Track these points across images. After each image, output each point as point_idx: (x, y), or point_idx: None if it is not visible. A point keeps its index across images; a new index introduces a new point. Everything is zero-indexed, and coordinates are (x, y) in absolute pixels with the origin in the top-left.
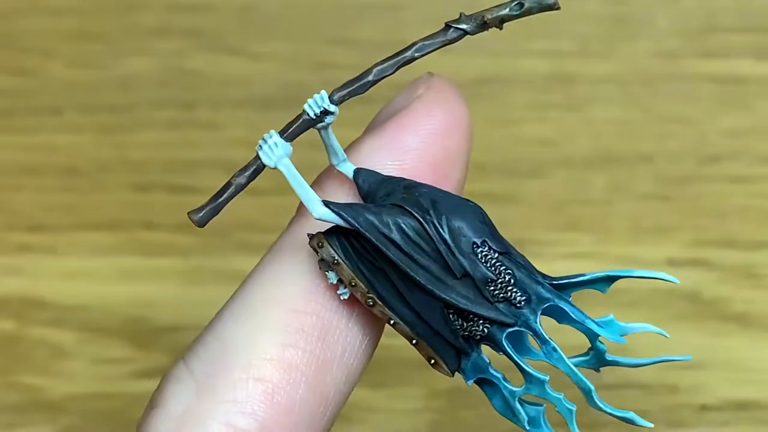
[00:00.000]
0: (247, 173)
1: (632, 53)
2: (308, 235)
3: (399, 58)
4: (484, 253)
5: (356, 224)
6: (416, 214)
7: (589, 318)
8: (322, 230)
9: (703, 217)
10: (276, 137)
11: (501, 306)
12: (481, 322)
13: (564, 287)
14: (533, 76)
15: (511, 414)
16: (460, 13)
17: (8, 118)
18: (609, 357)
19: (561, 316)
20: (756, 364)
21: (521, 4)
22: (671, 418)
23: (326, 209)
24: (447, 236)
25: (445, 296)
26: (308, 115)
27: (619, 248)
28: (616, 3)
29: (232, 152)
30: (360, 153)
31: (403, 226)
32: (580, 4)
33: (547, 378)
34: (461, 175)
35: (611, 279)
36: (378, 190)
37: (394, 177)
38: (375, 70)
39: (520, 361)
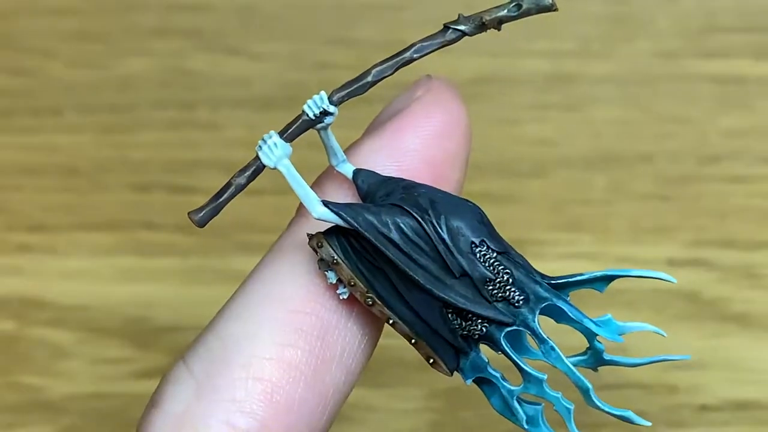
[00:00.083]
0: (247, 173)
1: (632, 53)
2: (308, 235)
3: (398, 59)
4: (482, 253)
5: (355, 224)
6: (415, 214)
7: (587, 317)
8: (322, 230)
9: (703, 217)
10: (275, 138)
11: (499, 305)
12: (479, 321)
13: (562, 287)
14: (533, 76)
15: (509, 413)
16: (459, 15)
17: (8, 118)
18: (607, 356)
19: (559, 316)
20: (756, 364)
21: (519, 6)
22: (671, 418)
23: (325, 209)
24: (446, 236)
25: (443, 295)
26: (308, 115)
27: (619, 248)
28: (616, 3)
29: (232, 152)
30: (359, 154)
31: (402, 225)
32: (580, 4)
33: (545, 377)
34: (460, 175)
35: (609, 278)
36: (377, 191)
37: (393, 177)
38: (374, 71)
39: (518, 360)
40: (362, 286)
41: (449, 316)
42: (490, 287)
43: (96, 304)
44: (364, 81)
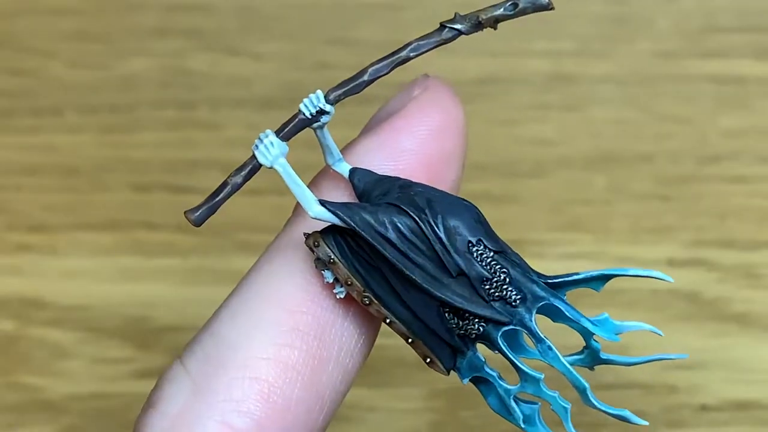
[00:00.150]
0: (244, 173)
1: (632, 53)
2: (304, 234)
3: (394, 58)
4: (479, 252)
5: (352, 223)
6: (412, 213)
7: (584, 316)
8: (319, 229)
9: (702, 217)
10: (272, 137)
11: (496, 305)
12: (476, 320)
13: (559, 286)
14: (533, 76)
15: (506, 412)
16: (455, 13)
17: (8, 118)
18: (603, 355)
19: (556, 315)
20: (756, 364)
21: (515, 5)
22: (671, 418)
23: (322, 208)
24: (443, 235)
25: (440, 295)
26: (304, 114)
27: (618, 248)
28: (616, 3)
29: (232, 152)
30: (356, 153)
31: (399, 225)
32: (580, 4)
33: (542, 376)
34: (457, 175)
35: (606, 278)
36: (373, 190)
37: (390, 176)
38: (370, 70)
39: (515, 360)
40: (359, 285)
41: (446, 315)
42: (487, 286)
43: (96, 304)
44: (360, 80)
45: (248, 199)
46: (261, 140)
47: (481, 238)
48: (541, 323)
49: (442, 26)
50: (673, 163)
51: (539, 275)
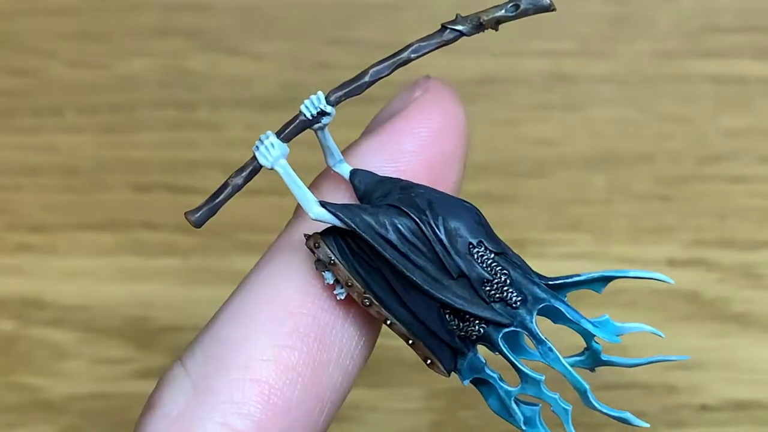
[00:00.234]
0: (244, 174)
1: (632, 53)
2: (305, 235)
3: (395, 59)
4: (480, 254)
5: (353, 225)
6: (413, 215)
7: (585, 318)
8: (319, 231)
9: (702, 217)
10: (272, 138)
11: (497, 306)
12: (477, 322)
13: (559, 287)
14: (533, 76)
15: (507, 414)
16: (456, 15)
17: (8, 118)
18: (604, 357)
19: (557, 316)
20: (756, 364)
21: (517, 6)
22: (671, 418)
23: (323, 209)
24: (443, 237)
25: (441, 296)
26: (305, 115)
27: (618, 248)
28: (616, 3)
29: (232, 152)
30: (357, 155)
31: (399, 226)
32: (580, 4)
33: (543, 378)
34: (458, 176)
35: (606, 279)
36: (374, 191)
37: (391, 178)
38: (371, 71)
39: (516, 361)
40: (359, 286)
41: (447, 316)
42: (488, 288)
43: (96, 304)
44: (362, 81)
45: (248, 199)
46: (262, 141)
47: (482, 240)
48: (542, 325)
49: (444, 27)
50: (673, 163)
51: (540, 277)
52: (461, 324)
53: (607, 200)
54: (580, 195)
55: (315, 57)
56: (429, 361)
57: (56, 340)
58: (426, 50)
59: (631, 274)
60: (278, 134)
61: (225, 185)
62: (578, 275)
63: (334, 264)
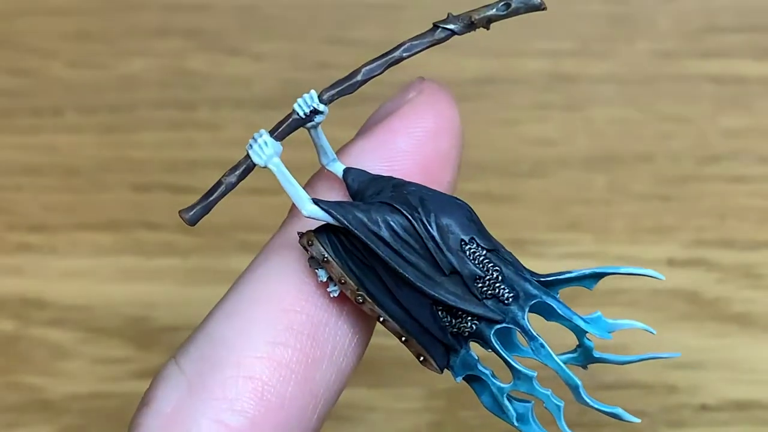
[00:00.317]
0: (237, 172)
1: (632, 53)
2: (298, 233)
3: (387, 58)
4: (472, 250)
5: (345, 222)
6: (405, 212)
7: (577, 314)
8: (313, 229)
9: (702, 217)
10: (266, 136)
11: (489, 303)
12: (469, 318)
13: (551, 284)
14: (533, 76)
15: (499, 410)
16: (448, 14)
17: (8, 118)
18: (597, 354)
19: (549, 313)
20: (756, 364)
21: (508, 5)
22: (671, 418)
23: (315, 207)
24: (435, 233)
25: (433, 293)
26: (298, 114)
27: (619, 248)
28: (616, 3)
29: (232, 152)
30: (352, 155)
31: (392, 223)
32: (580, 4)
33: (535, 374)
34: (452, 176)
35: (598, 276)
36: (367, 189)
37: (383, 176)
38: (363, 70)
39: (508, 358)
40: (353, 283)
41: (439, 313)
42: (480, 284)
43: (96, 304)
44: (354, 80)
45: (248, 199)
46: (255, 140)
47: (474, 237)
48: (535, 323)
49: (435, 26)
50: (673, 163)
51: (532, 273)
52: (453, 321)
53: (607, 200)
54: (580, 195)
55: (315, 57)
56: (422, 358)
57: (56, 340)
58: (418, 49)
59: (622, 270)
60: (271, 133)
61: (219, 183)
62: (570, 272)
63: (327, 261)
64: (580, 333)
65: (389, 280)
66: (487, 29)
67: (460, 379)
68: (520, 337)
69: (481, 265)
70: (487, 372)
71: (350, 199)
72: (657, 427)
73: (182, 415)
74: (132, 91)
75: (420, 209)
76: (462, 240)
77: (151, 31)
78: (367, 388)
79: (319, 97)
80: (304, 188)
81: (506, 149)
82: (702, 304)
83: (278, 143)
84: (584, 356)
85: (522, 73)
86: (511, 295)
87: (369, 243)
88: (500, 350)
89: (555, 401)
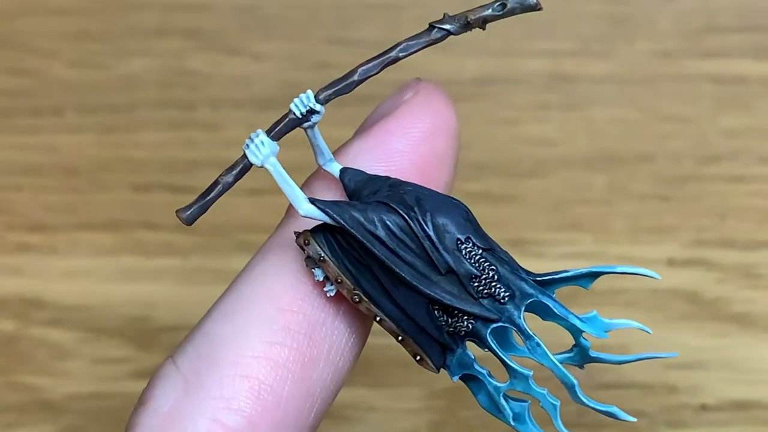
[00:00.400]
0: (234, 172)
1: (632, 53)
2: (295, 233)
3: (383, 58)
4: (468, 250)
5: (342, 221)
6: (401, 211)
7: (573, 314)
8: (309, 228)
9: (702, 217)
10: (262, 136)
11: (485, 302)
12: (465, 317)
13: (548, 283)
14: (533, 76)
15: (496, 410)
16: (444, 14)
17: (8, 118)
18: (593, 353)
19: (545, 312)
20: (756, 364)
21: (504, 5)
22: (671, 418)
23: (312, 206)
24: (431, 233)
25: (429, 292)
26: (294, 114)
27: (619, 248)
28: (616, 3)
29: (232, 152)
30: (349, 155)
31: (388, 222)
32: (580, 4)
33: (531, 373)
34: (449, 177)
35: (594, 275)
36: (363, 189)
37: (380, 176)
38: (360, 70)
39: (504, 357)
40: (349, 283)
41: (435, 312)
42: (476, 284)
43: (96, 304)
44: (351, 80)
45: (248, 199)
46: (252, 140)
47: (470, 236)
48: (532, 322)
49: (432, 26)
50: (673, 163)
51: (528, 273)
52: (450, 320)
53: (607, 200)
54: (580, 195)
55: (315, 57)
56: (418, 358)
57: (56, 340)
58: (414, 49)
59: (618, 269)
60: (268, 133)
61: (216, 183)
62: (566, 271)
63: (324, 261)
64: (576, 332)
65: (386, 280)
66: (483, 29)
67: (456, 378)
68: (516, 337)
69: (477, 264)
70: (483, 371)
71: (347, 199)
72: (657, 427)
73: (179, 414)
74: (132, 91)
75: (416, 208)
76: (458, 239)
77: (151, 31)
78: (366, 388)
79: (315, 96)
80: (300, 188)
81: (506, 149)
82: (702, 304)
83: (275, 143)
84: (580, 356)
85: (522, 73)
86: (507, 294)
87: (365, 242)
88: (496, 349)
89: (551, 400)
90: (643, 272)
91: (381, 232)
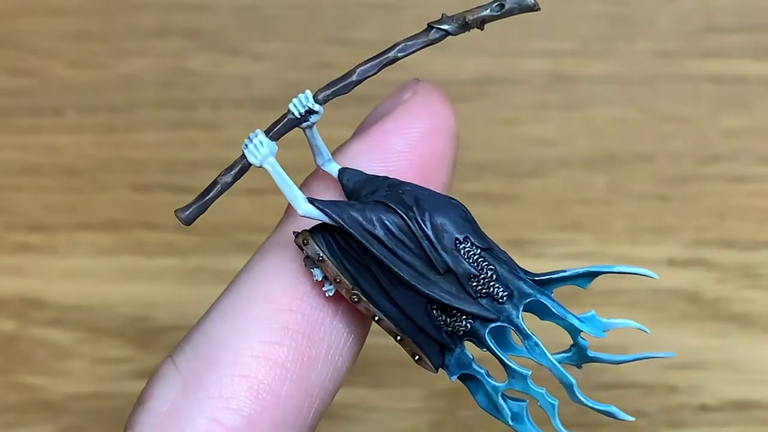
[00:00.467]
0: (233, 172)
1: (632, 53)
2: (294, 232)
3: (382, 58)
4: (466, 249)
5: (340, 220)
6: (400, 211)
7: (571, 313)
8: (308, 228)
9: (702, 217)
10: (261, 136)
11: (483, 301)
12: (464, 317)
13: (546, 283)
14: (533, 76)
15: (494, 410)
16: (443, 14)
17: (8, 118)
18: (591, 353)
19: (543, 312)
20: (756, 364)
21: (502, 5)
22: (671, 418)
23: (311, 206)
24: (430, 232)
25: (428, 291)
26: (293, 114)
27: (619, 248)
28: (616, 3)
29: (232, 152)
30: (347, 155)
31: (386, 222)
32: (580, 4)
33: (530, 373)
34: (447, 177)
35: (592, 275)
36: (362, 189)
37: (379, 176)
38: (358, 71)
39: (502, 356)
40: (348, 283)
41: (434, 312)
42: (474, 283)
43: (96, 304)
44: (349, 80)
45: (248, 199)
46: (251, 140)
47: (468, 236)
48: (530, 322)
49: (430, 27)
50: (673, 163)
51: (526, 272)
52: (448, 319)
53: (607, 200)
54: (580, 195)
55: (315, 57)
56: (417, 357)
57: (56, 340)
58: (412, 49)
59: (616, 269)
60: (267, 133)
61: (215, 183)
62: (564, 271)
63: (323, 260)
64: (574, 332)
65: (384, 279)
66: (482, 30)
67: (455, 378)
68: (514, 336)
69: (475, 264)
70: (481, 371)
71: (345, 199)
72: (657, 427)
73: (178, 413)
74: (132, 91)
75: (415, 208)
76: (456, 239)
77: (151, 31)
78: (366, 388)
79: (314, 97)
80: (299, 188)
81: (506, 149)
82: (702, 304)
83: (274, 143)
84: (579, 355)
85: (522, 73)
86: (506, 293)
87: (364, 242)
88: (495, 349)
89: (549, 400)
90: (641, 272)
91: (380, 232)
